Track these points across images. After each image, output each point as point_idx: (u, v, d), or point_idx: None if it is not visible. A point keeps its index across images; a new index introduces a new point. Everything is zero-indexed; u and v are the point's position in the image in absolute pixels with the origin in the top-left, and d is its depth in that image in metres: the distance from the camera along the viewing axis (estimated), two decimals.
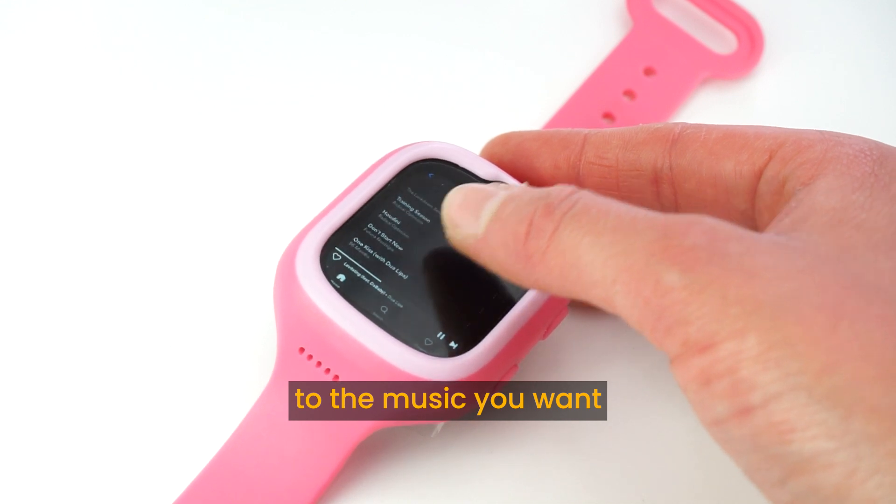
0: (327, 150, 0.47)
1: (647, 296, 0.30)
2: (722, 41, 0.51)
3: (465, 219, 0.35)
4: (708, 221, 0.31)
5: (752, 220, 0.37)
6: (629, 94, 0.49)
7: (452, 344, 0.37)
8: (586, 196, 0.33)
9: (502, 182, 0.36)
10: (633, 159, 0.38)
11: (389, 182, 0.39)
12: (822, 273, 0.30)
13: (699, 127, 0.37)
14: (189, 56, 0.49)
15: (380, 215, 0.38)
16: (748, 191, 0.36)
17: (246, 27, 0.50)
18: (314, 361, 0.37)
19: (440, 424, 0.39)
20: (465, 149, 0.40)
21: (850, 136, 0.35)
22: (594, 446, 0.41)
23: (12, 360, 0.41)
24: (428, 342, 0.36)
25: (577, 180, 0.39)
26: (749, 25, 0.50)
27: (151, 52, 0.49)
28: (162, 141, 0.47)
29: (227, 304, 0.42)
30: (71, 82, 0.48)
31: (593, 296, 0.31)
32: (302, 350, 0.37)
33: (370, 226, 0.38)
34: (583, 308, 0.43)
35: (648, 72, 0.49)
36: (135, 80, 0.48)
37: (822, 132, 0.35)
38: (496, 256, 0.34)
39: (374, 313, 0.36)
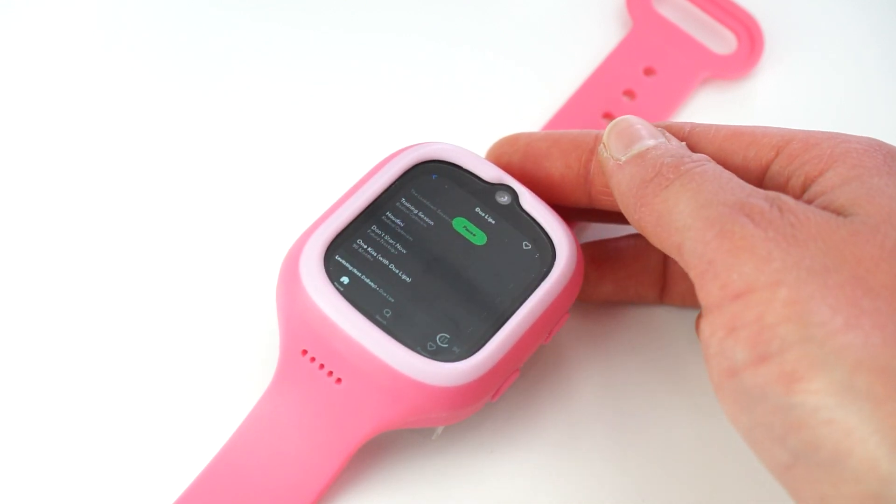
0: (329, 151, 0.47)
1: (709, 238, 0.32)
2: (722, 41, 0.51)
3: (617, 144, 0.37)
4: (782, 196, 0.33)
5: None
6: (629, 94, 0.49)
7: (455, 348, 0.36)
8: (711, 165, 0.35)
9: (661, 134, 0.38)
10: None
11: (393, 184, 0.39)
12: (860, 247, 0.31)
13: (708, 126, 0.38)
14: (191, 56, 0.49)
15: (383, 217, 0.38)
16: (753, 184, 0.36)
17: (247, 28, 0.50)
18: (317, 364, 0.37)
19: (441, 427, 0.39)
20: (469, 150, 0.40)
21: (857, 136, 0.36)
22: (594, 446, 0.41)
23: (15, 361, 0.41)
24: (431, 346, 0.36)
25: (587, 181, 0.39)
26: (749, 25, 0.50)
27: (153, 52, 0.49)
28: (164, 142, 0.46)
29: (230, 305, 0.42)
30: (72, 83, 0.48)
31: (671, 242, 0.34)
32: (304, 352, 0.37)
33: (374, 228, 0.38)
34: (585, 313, 0.43)
35: (648, 72, 0.49)
36: (136, 81, 0.48)
37: (828, 132, 0.36)
38: (622, 184, 0.37)
39: (378, 316, 0.36)
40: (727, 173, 0.35)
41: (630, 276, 0.42)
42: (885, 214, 0.32)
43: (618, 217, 0.42)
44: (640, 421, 0.41)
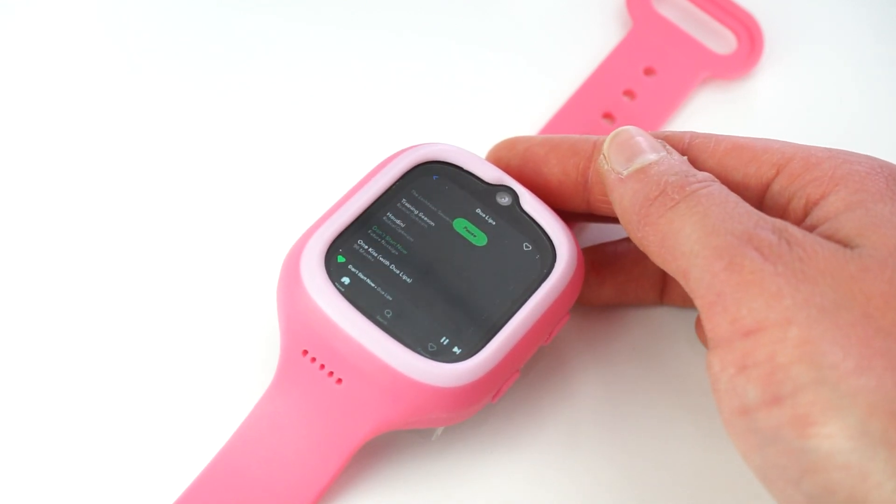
0: (330, 151, 0.47)
1: (718, 270, 0.32)
2: (722, 41, 0.51)
3: (618, 157, 0.37)
4: (789, 226, 0.33)
5: None
6: (629, 94, 0.49)
7: (456, 349, 0.36)
8: (716, 187, 0.35)
9: (662, 147, 0.38)
10: None
11: (394, 185, 0.39)
12: (870, 283, 0.31)
13: (709, 137, 0.38)
14: (190, 56, 0.49)
15: (384, 218, 0.38)
16: (754, 203, 0.36)
17: (248, 27, 0.50)
18: (317, 364, 0.37)
19: (441, 427, 0.39)
20: (470, 151, 0.40)
21: (858, 155, 0.36)
22: (594, 447, 0.41)
23: (15, 362, 0.41)
24: (431, 347, 0.36)
25: (585, 187, 0.39)
26: (749, 25, 0.50)
27: (154, 51, 0.49)
28: (164, 142, 0.46)
29: (231, 305, 0.42)
30: (73, 82, 0.48)
31: (676, 266, 0.34)
32: (305, 353, 0.37)
33: (375, 228, 0.38)
34: (585, 313, 0.43)
35: (648, 72, 0.49)
36: (136, 80, 0.48)
37: (829, 150, 0.36)
38: (623, 200, 0.36)
39: (378, 317, 0.36)
40: (733, 197, 0.34)
41: (630, 280, 0.42)
42: (892, 247, 0.32)
43: (616, 219, 0.42)
44: (640, 422, 0.41)
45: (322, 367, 0.37)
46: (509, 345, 0.37)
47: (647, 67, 0.49)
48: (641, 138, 0.37)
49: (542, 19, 0.51)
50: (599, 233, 0.44)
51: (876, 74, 0.51)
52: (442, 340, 0.36)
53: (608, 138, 0.37)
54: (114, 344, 0.41)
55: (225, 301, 0.42)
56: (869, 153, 0.36)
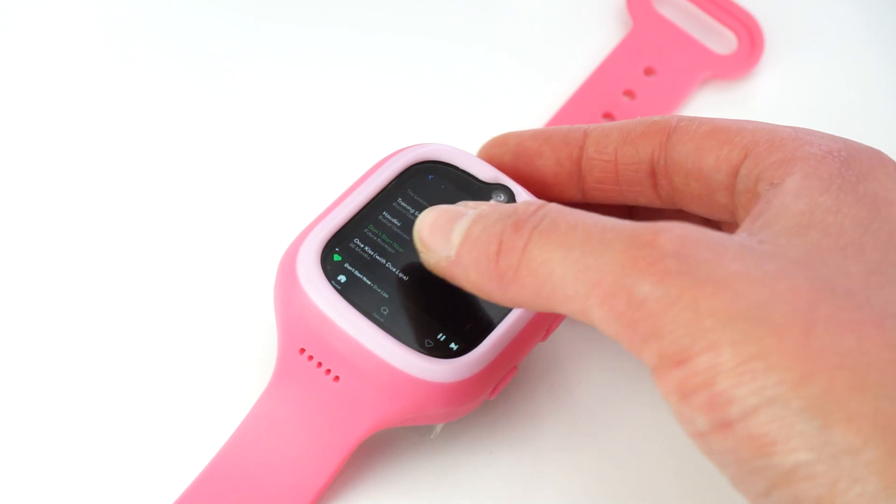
0: (327, 150, 0.47)
1: (621, 309, 0.30)
2: (722, 41, 0.51)
3: (437, 241, 0.34)
4: (677, 228, 0.30)
5: (733, 215, 0.37)
6: (629, 94, 0.49)
7: (453, 345, 0.37)
8: (554, 210, 0.32)
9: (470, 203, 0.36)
10: (632, 153, 0.38)
11: (390, 184, 0.39)
12: (793, 277, 0.30)
13: (692, 120, 0.37)
14: (189, 57, 0.49)
15: (380, 217, 0.39)
16: (727, 187, 0.36)
17: (245, 28, 0.50)
18: (315, 362, 0.37)
19: (440, 425, 0.39)
20: (465, 151, 0.40)
21: (822, 136, 0.35)
22: (594, 447, 0.41)
23: (14, 363, 0.41)
24: (428, 343, 0.36)
25: (580, 176, 0.39)
26: (749, 25, 0.50)
27: (153, 52, 0.49)
28: (161, 141, 0.47)
29: (228, 304, 0.43)
30: (73, 82, 0.48)
31: (569, 309, 0.31)
32: (302, 351, 0.37)
33: (371, 227, 0.38)
34: None
35: (648, 72, 0.50)
36: (136, 80, 0.48)
37: (795, 129, 0.35)
38: (470, 277, 0.34)
39: (375, 314, 0.36)
40: (578, 212, 0.32)
41: None
42: (811, 250, 0.31)
43: (615, 213, 0.42)
44: (638, 419, 0.41)
45: (319, 364, 0.37)
46: (506, 341, 0.37)
47: (647, 67, 0.50)
48: (441, 210, 0.35)
49: (542, 19, 0.51)
50: None
51: (876, 74, 0.51)
52: (439, 337, 0.37)
53: (414, 233, 0.35)
54: (112, 344, 0.42)
55: (222, 300, 0.43)
56: None
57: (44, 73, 0.48)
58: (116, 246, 0.44)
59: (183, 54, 0.49)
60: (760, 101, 0.50)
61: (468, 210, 0.34)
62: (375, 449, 0.39)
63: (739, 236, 0.31)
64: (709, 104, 0.50)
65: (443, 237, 0.34)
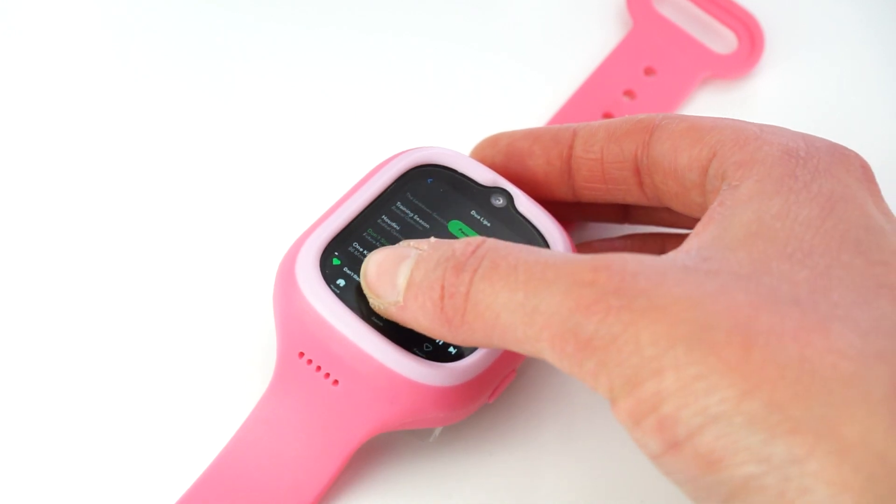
0: (327, 153, 0.47)
1: (571, 351, 0.30)
2: (722, 41, 0.51)
3: (384, 288, 0.35)
4: (616, 263, 0.31)
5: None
6: (629, 94, 0.49)
7: (451, 349, 0.37)
8: (492, 249, 0.33)
9: (409, 244, 0.36)
10: (617, 151, 0.39)
11: (389, 187, 0.39)
12: (734, 294, 0.30)
13: (673, 118, 0.37)
14: (188, 57, 0.49)
15: (379, 220, 0.39)
16: (699, 185, 0.36)
17: (245, 28, 0.50)
18: (314, 366, 0.37)
19: (439, 429, 0.39)
20: (464, 154, 0.41)
21: (784, 134, 0.35)
22: (593, 448, 0.41)
23: (14, 364, 0.41)
24: (427, 347, 0.37)
25: (570, 175, 0.39)
26: (749, 25, 0.50)
27: (152, 51, 0.49)
28: (160, 144, 0.47)
29: (228, 308, 0.43)
30: (73, 82, 0.48)
31: (523, 350, 0.32)
32: (302, 354, 0.37)
33: (370, 231, 0.38)
34: None
35: (648, 72, 0.49)
36: (136, 80, 0.48)
37: (761, 128, 0.35)
38: (420, 322, 0.34)
39: (374, 318, 0.36)
40: (516, 249, 0.32)
41: None
42: (759, 259, 0.31)
43: (612, 215, 0.42)
44: None
45: (318, 368, 0.37)
46: None
47: (647, 67, 0.50)
48: (385, 254, 0.35)
49: (541, 19, 0.51)
50: (596, 233, 0.44)
51: (876, 74, 0.51)
52: (437, 340, 0.37)
53: (361, 280, 0.36)
54: (112, 347, 0.42)
55: (221, 304, 0.43)
56: (868, 153, 0.36)
57: (44, 73, 0.48)
58: (116, 246, 0.44)
59: (183, 54, 0.49)
60: (760, 101, 0.50)
61: (410, 251, 0.34)
62: (374, 452, 0.39)
63: (683, 256, 0.32)
64: (709, 104, 0.49)
65: (389, 283, 0.35)
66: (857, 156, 0.35)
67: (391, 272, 0.34)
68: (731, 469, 0.28)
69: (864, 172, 0.34)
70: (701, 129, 0.36)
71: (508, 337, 0.32)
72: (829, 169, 0.33)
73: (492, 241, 0.33)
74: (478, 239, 0.33)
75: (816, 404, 0.28)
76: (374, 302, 0.35)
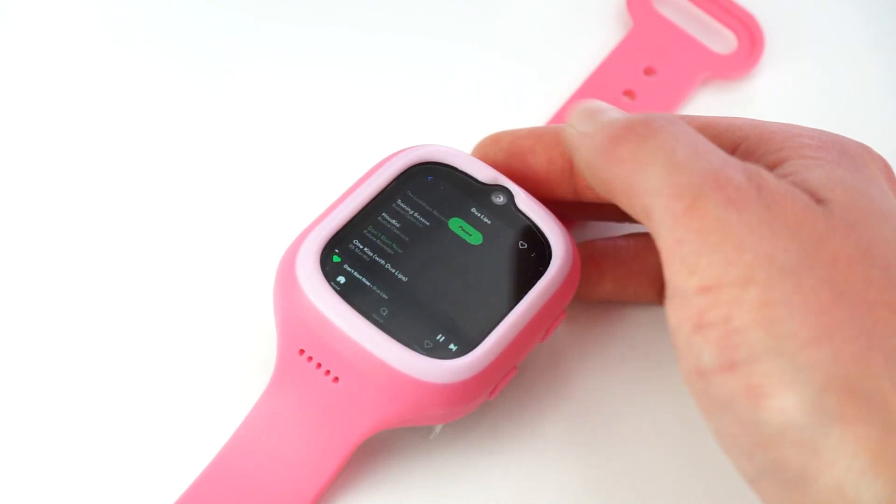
0: (328, 152, 0.47)
1: (678, 213, 0.31)
2: (722, 41, 0.51)
3: (582, 119, 0.35)
4: (762, 171, 0.31)
5: None
6: (629, 94, 0.49)
7: (452, 346, 0.37)
8: (683, 127, 0.33)
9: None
10: None
11: (389, 185, 0.39)
12: (837, 242, 0.30)
13: (684, 118, 0.37)
14: (188, 57, 0.49)
15: (379, 218, 0.39)
16: None
17: (245, 28, 0.50)
18: (314, 363, 0.37)
19: (439, 426, 0.39)
20: (464, 152, 0.41)
21: (810, 129, 0.35)
22: (593, 447, 0.41)
23: (13, 364, 0.41)
24: (428, 344, 0.36)
25: (571, 174, 0.40)
26: (749, 25, 0.50)
27: (152, 51, 0.49)
28: (160, 142, 0.47)
29: (228, 305, 0.43)
30: (73, 82, 0.48)
31: (640, 204, 0.32)
32: (302, 352, 0.37)
33: (370, 228, 0.38)
34: (583, 312, 0.43)
35: (648, 72, 0.50)
36: (135, 80, 0.48)
37: (782, 124, 0.36)
38: (588, 149, 0.34)
39: (375, 315, 0.36)
40: (702, 137, 0.33)
41: (629, 275, 0.42)
42: (860, 210, 0.31)
43: (613, 215, 0.42)
44: (637, 420, 0.41)
45: (319, 366, 0.37)
46: (505, 341, 0.37)
47: (647, 67, 0.50)
48: (607, 105, 0.36)
49: (541, 19, 0.51)
50: (597, 232, 0.44)
51: (876, 75, 0.51)
52: (438, 338, 0.37)
53: (573, 109, 0.37)
54: (111, 345, 0.42)
55: (222, 302, 0.43)
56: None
57: (44, 73, 0.48)
58: (116, 246, 0.44)
59: (183, 54, 0.49)
60: (760, 101, 0.50)
61: (625, 112, 0.36)
62: (375, 449, 0.39)
63: (803, 194, 0.32)
64: (709, 104, 0.49)
65: (590, 117, 0.35)
66: (877, 153, 0.35)
67: (600, 110, 0.35)
68: (773, 412, 0.28)
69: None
70: (715, 127, 0.37)
71: (640, 185, 0.32)
72: (864, 164, 0.34)
73: (684, 123, 0.34)
74: (678, 117, 0.35)
75: (875, 375, 0.28)
76: (568, 130, 0.36)
